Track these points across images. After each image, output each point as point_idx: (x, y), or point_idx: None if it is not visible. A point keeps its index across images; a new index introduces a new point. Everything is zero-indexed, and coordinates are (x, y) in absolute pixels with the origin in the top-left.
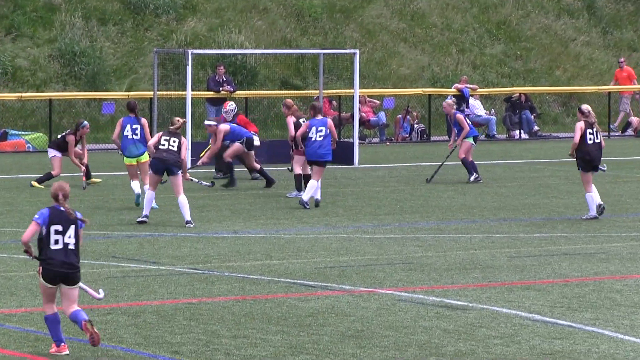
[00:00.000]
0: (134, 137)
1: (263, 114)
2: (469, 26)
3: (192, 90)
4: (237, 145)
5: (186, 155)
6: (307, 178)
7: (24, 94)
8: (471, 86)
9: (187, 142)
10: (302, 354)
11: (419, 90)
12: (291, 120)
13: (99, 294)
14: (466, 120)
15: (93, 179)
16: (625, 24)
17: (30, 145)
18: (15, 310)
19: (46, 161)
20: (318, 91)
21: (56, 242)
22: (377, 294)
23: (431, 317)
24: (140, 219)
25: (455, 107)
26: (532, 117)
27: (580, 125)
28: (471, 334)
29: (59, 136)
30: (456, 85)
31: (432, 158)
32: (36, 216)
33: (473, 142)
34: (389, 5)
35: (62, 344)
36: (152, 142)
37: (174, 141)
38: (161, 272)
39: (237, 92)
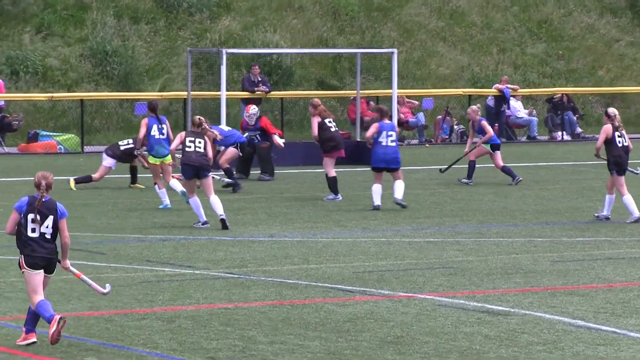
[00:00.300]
0: (161, 136)
1: (299, 115)
2: (510, 25)
3: (227, 90)
4: (231, 150)
5: (212, 153)
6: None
7: (55, 95)
8: (512, 86)
9: (209, 142)
10: None
11: (459, 91)
12: (316, 120)
13: (105, 289)
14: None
15: (137, 184)
16: None
17: (62, 147)
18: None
19: (77, 162)
20: (355, 92)
21: (33, 230)
22: (416, 299)
23: (472, 322)
24: (201, 225)
25: (479, 113)
26: (575, 118)
27: (607, 128)
28: (513, 340)
29: (122, 147)
30: (497, 85)
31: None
32: (16, 204)
33: (490, 150)
34: (427, 3)
35: (34, 332)
36: (175, 144)
37: (200, 142)
38: (196, 276)
39: (273, 92)
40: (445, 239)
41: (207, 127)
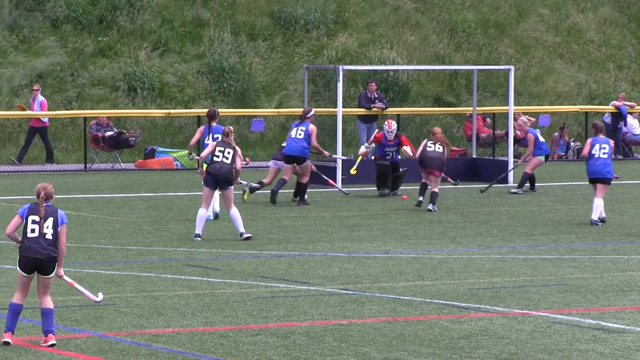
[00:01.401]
0: None
1: (415, 132)
2: (627, 42)
3: (343, 107)
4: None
5: (240, 164)
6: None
7: (171, 111)
8: (629, 104)
9: (240, 151)
10: None
11: (576, 108)
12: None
13: (97, 297)
14: (537, 140)
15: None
16: None
17: (179, 163)
18: (163, 330)
19: (194, 179)
20: (471, 108)
21: (32, 230)
22: (531, 316)
23: (587, 340)
24: (195, 238)
25: (529, 125)
26: None
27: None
28: (629, 358)
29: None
30: (614, 102)
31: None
32: (19, 210)
33: (543, 160)
34: (544, 20)
35: (11, 332)
36: (205, 152)
37: (228, 152)
38: (311, 292)
39: (389, 109)
40: (560, 255)
41: (233, 137)
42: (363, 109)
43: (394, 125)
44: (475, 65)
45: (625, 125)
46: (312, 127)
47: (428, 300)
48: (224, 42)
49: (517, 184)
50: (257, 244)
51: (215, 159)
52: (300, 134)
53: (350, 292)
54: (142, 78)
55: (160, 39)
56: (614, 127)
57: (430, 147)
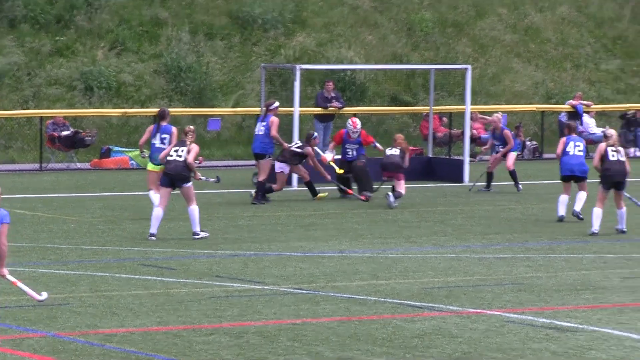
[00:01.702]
0: (161, 145)
1: (372, 131)
2: (584, 41)
3: (300, 106)
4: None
5: (192, 161)
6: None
7: (128, 110)
8: (585, 103)
9: (196, 148)
10: None
11: (532, 107)
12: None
13: (40, 295)
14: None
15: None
16: None
17: (134, 162)
18: (116, 330)
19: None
20: (428, 108)
21: None
22: (485, 315)
23: (540, 339)
24: (150, 237)
25: (502, 121)
26: None
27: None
28: (581, 357)
29: (291, 149)
30: (570, 101)
31: (545, 176)
32: None
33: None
34: (502, 19)
35: None
36: (163, 153)
37: (182, 150)
38: (265, 292)
39: (346, 108)
40: (514, 254)
41: (192, 137)
42: (320, 109)
43: (358, 125)
44: (433, 64)
45: (582, 124)
46: (272, 119)
47: (382, 299)
48: (181, 42)
49: (475, 183)
50: (211, 244)
51: (169, 158)
52: (261, 130)
53: (305, 291)
54: (99, 77)
55: (118, 39)
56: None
57: (388, 151)
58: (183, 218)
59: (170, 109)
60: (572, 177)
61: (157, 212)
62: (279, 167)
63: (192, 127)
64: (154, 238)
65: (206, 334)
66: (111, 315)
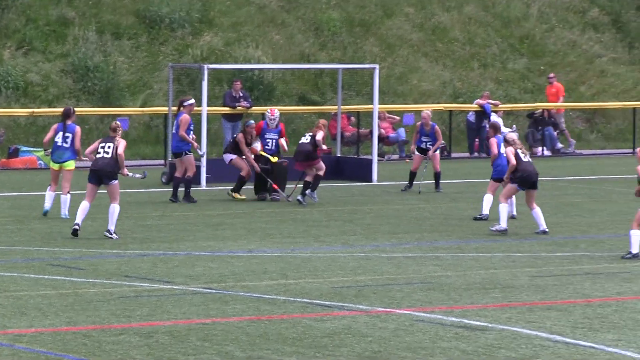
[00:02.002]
0: (64, 144)
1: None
2: (492, 41)
3: (208, 106)
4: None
5: (122, 153)
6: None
7: (35, 110)
8: (493, 102)
9: (124, 142)
10: None
11: (440, 106)
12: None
13: None
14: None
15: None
16: None
17: (42, 162)
18: (25, 330)
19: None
20: (336, 107)
21: None
22: (394, 314)
23: (450, 337)
24: (73, 229)
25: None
26: (555, 133)
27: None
28: (491, 355)
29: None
30: (478, 101)
31: (453, 175)
32: None
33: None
34: (409, 19)
35: None
36: (90, 149)
37: (109, 147)
38: (174, 291)
39: (254, 107)
40: (424, 254)
41: (120, 133)
42: (228, 108)
43: (276, 112)
44: (340, 64)
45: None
46: (182, 117)
47: (292, 299)
48: (88, 41)
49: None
50: (120, 244)
51: (97, 155)
52: (175, 128)
53: (214, 291)
54: (6, 77)
55: (25, 38)
56: (478, 125)
57: (302, 139)
58: (91, 218)
59: (78, 109)
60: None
61: (84, 205)
62: (227, 157)
63: (118, 122)
64: (77, 227)
65: (115, 333)
66: (20, 315)
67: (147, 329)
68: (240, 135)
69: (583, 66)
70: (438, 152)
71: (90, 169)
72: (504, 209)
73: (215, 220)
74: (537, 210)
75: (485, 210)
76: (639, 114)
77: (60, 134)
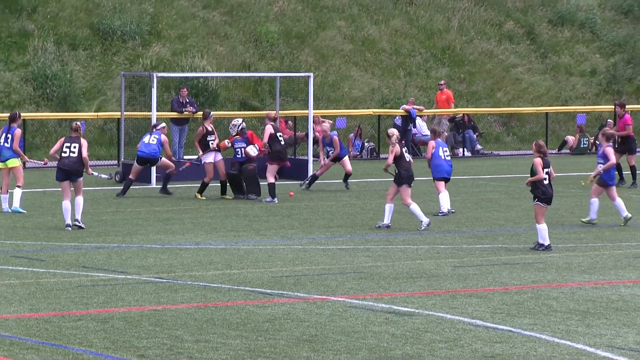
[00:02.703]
0: (5, 144)
1: (224, 134)
2: (416, 51)
3: (157, 110)
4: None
5: (87, 154)
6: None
7: None
8: (418, 107)
9: (86, 143)
10: (260, 357)
11: (369, 111)
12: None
13: None
14: (340, 143)
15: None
16: (563, 49)
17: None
18: None
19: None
20: (275, 112)
21: None
22: (329, 301)
23: (380, 322)
24: (67, 228)
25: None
26: (475, 136)
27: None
28: (417, 338)
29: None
30: (404, 106)
31: (382, 174)
32: None
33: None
34: (341, 31)
35: None
36: (54, 149)
37: (75, 147)
38: (128, 281)
39: (199, 112)
40: (356, 246)
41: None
42: (176, 113)
43: (237, 120)
44: (278, 72)
45: (415, 127)
46: (163, 138)
47: (235, 287)
48: (47, 52)
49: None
50: (78, 237)
51: (63, 154)
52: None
53: (164, 280)
54: None
55: None
56: (405, 128)
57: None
58: (51, 214)
59: (38, 114)
60: (444, 179)
61: (66, 205)
62: (205, 157)
63: (79, 122)
64: (69, 228)
65: (74, 319)
66: None
67: (104, 315)
68: (199, 129)
69: (500, 74)
70: (346, 156)
71: (58, 168)
72: (388, 209)
73: (165, 215)
74: (414, 206)
75: (444, 207)
76: (551, 117)
77: (3, 135)
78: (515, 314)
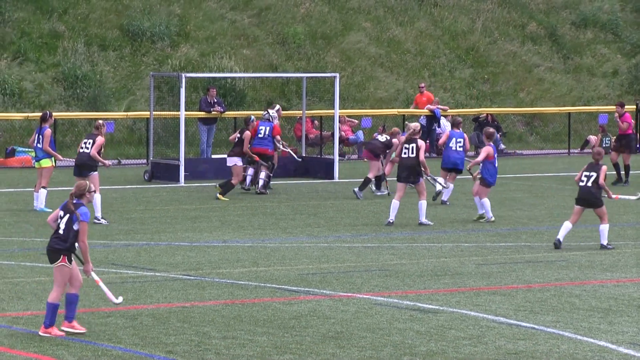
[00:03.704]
0: (38, 144)
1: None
2: (440, 52)
3: (186, 110)
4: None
5: (95, 152)
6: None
7: (30, 114)
8: (442, 107)
9: (100, 141)
10: (286, 353)
11: (394, 111)
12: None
13: (117, 299)
14: None
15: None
16: (585, 50)
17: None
18: (22, 313)
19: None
20: (301, 112)
21: (59, 226)
22: (355, 299)
23: (405, 319)
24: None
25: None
26: (498, 135)
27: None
28: (442, 335)
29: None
30: (428, 106)
31: None
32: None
33: None
34: (367, 33)
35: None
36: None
37: (89, 143)
38: (157, 278)
39: (227, 112)
40: (381, 244)
41: (104, 130)
42: (203, 112)
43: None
44: (305, 73)
45: (439, 126)
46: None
47: (262, 284)
48: (77, 52)
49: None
50: (107, 234)
51: (79, 150)
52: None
53: (192, 277)
54: (3, 85)
55: (20, 50)
56: (429, 128)
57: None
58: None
59: (68, 114)
60: (453, 170)
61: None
62: (231, 161)
63: (101, 121)
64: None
65: (104, 316)
66: (17, 299)
67: (132, 312)
68: (247, 133)
69: (523, 75)
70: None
71: (75, 164)
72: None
73: (193, 214)
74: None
75: (444, 196)
76: (573, 117)
77: (36, 136)
78: (538, 311)
